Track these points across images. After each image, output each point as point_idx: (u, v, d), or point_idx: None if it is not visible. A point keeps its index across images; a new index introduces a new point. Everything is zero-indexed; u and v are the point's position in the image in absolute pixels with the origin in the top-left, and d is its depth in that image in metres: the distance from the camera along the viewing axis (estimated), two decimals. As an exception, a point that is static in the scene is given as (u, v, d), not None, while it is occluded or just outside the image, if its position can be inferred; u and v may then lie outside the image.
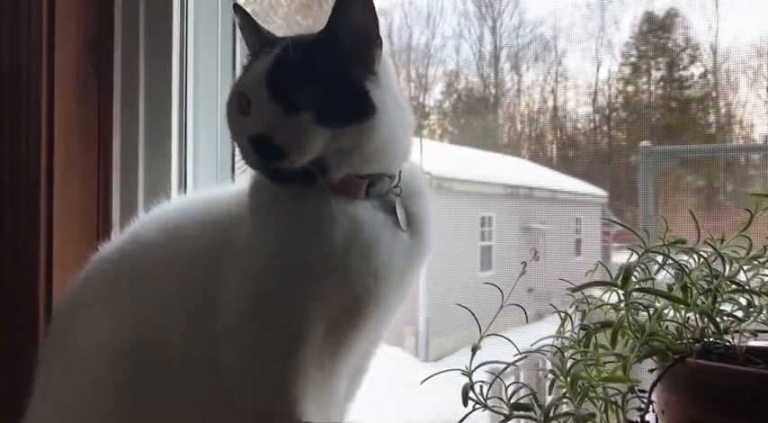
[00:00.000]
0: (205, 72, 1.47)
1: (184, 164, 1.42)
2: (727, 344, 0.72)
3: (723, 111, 2.58)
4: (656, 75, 2.54)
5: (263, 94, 0.84)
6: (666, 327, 0.73)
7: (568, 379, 0.72)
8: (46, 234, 1.25)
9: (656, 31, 2.29)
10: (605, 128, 2.30)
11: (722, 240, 0.77)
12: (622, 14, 2.21)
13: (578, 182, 2.28)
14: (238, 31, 1.40)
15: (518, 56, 2.17)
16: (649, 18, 2.24)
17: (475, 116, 2.25)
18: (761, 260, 0.75)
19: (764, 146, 2.33)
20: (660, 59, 2.35)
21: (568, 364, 0.74)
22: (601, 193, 2.22)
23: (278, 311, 0.87)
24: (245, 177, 0.99)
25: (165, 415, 0.91)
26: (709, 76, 2.47)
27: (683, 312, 0.73)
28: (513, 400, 0.76)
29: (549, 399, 0.77)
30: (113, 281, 0.99)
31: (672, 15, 2.31)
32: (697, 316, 0.72)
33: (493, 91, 2.23)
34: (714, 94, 2.46)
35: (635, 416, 0.69)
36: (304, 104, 0.83)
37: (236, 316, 0.89)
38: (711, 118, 2.60)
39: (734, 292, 0.73)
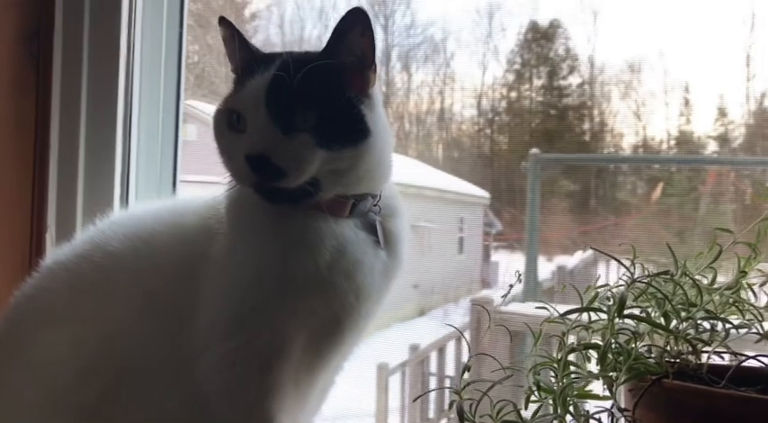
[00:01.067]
0: (149, 73, 1.40)
1: (128, 163, 1.37)
2: (699, 364, 0.78)
3: (597, 120, 2.73)
4: (537, 82, 2.66)
5: (262, 113, 0.84)
6: (648, 349, 0.78)
7: (560, 397, 0.76)
8: None
9: (540, 40, 2.39)
10: (488, 131, 2.37)
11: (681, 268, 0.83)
12: (509, 22, 2.29)
13: (463, 182, 2.34)
14: (185, 24, 1.40)
15: (408, 56, 2.20)
16: (534, 27, 2.33)
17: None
18: (732, 291, 0.82)
19: (647, 156, 2.49)
20: (542, 68, 2.46)
21: (556, 383, 0.78)
22: (484, 193, 2.29)
23: (259, 327, 0.86)
24: (209, 189, 0.98)
25: None
26: (586, 87, 2.61)
27: (663, 337, 0.79)
28: (499, 415, 0.79)
29: (525, 413, 0.81)
30: (75, 291, 0.95)
31: (555, 26, 2.42)
32: (672, 340, 0.78)
33: (383, 89, 2.25)
34: (590, 103, 2.60)
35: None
36: (303, 125, 0.84)
37: (217, 330, 0.87)
38: (586, 126, 2.75)
39: (707, 319, 0.79)
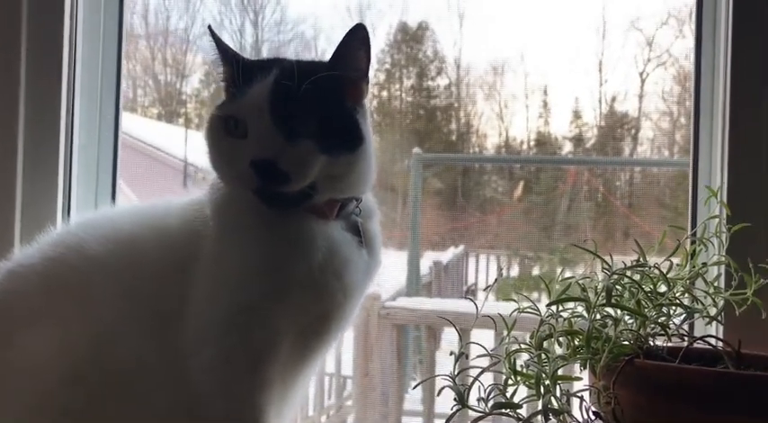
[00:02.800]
0: (88, 85, 1.31)
1: (69, 173, 1.28)
2: (660, 346, 0.88)
3: (463, 120, 2.83)
4: (407, 83, 2.71)
5: (266, 119, 0.86)
6: (621, 332, 0.86)
7: (552, 378, 0.83)
8: None
9: (409, 41, 2.44)
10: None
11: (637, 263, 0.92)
12: (379, 22, 2.31)
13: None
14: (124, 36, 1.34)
15: (279, 51, 2.17)
16: (403, 28, 2.38)
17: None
18: (693, 280, 0.93)
19: (526, 157, 2.60)
20: (411, 69, 2.51)
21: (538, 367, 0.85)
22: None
23: (253, 326, 0.88)
24: (193, 192, 0.99)
25: None
26: (453, 88, 2.69)
27: (637, 321, 0.88)
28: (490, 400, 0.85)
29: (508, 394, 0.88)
30: (52, 293, 0.92)
31: (423, 28, 2.47)
32: (642, 324, 0.87)
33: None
34: (456, 104, 2.69)
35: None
36: (304, 132, 0.86)
37: (210, 329, 0.88)
38: (453, 126, 2.84)
39: (671, 305, 0.89)
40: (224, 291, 0.89)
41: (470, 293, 2.82)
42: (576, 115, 2.37)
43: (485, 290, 0.97)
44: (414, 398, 2.47)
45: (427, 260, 2.67)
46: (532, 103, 2.48)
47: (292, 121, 0.87)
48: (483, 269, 2.89)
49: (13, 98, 1.24)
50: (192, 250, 0.92)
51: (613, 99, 2.25)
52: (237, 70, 0.89)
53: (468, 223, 2.43)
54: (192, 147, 2.11)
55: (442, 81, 2.61)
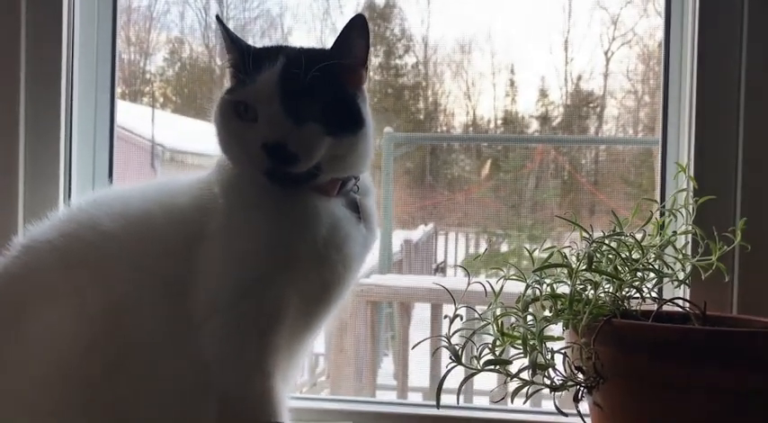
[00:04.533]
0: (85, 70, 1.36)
1: (69, 158, 1.34)
2: (634, 309, 0.98)
3: (431, 99, 2.84)
4: (375, 61, 2.70)
5: (276, 104, 0.92)
6: (599, 295, 0.96)
7: (536, 338, 0.92)
8: None
9: (376, 19, 2.42)
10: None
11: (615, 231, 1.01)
12: (347, 0, 2.29)
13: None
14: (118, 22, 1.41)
15: (245, 29, 2.14)
16: (371, 6, 2.36)
17: (200, 87, 2.17)
18: (663, 248, 1.03)
19: (499, 136, 2.61)
20: (379, 47, 2.50)
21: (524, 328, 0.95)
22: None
23: (260, 296, 0.95)
24: (198, 171, 1.06)
25: (141, 401, 0.93)
26: (420, 67, 2.69)
27: (614, 285, 0.97)
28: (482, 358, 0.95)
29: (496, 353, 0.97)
30: (70, 268, 0.97)
31: (390, 6, 2.46)
32: (619, 287, 0.97)
33: (218, 62, 2.17)
34: (424, 83, 2.69)
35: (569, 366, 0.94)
36: (311, 116, 0.93)
37: (220, 299, 0.94)
38: (421, 105, 2.84)
39: (646, 270, 0.99)
40: (234, 263, 0.95)
41: (440, 271, 2.85)
42: (543, 94, 2.39)
43: (476, 259, 1.05)
44: (386, 372, 2.51)
45: (397, 239, 2.70)
46: (499, 82, 2.49)
47: (300, 106, 0.93)
48: (452, 247, 2.93)
49: (15, 81, 1.28)
50: (200, 226, 0.98)
51: (579, 78, 2.27)
52: (246, 58, 0.95)
53: (436, 201, 2.45)
54: (159, 126, 2.08)
55: (409, 59, 2.60)
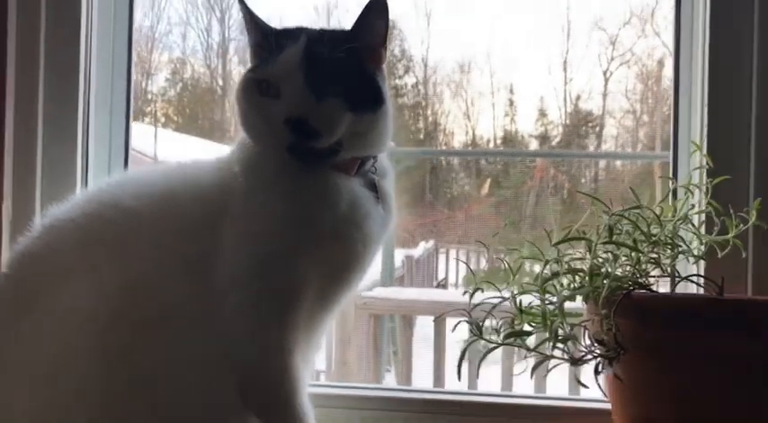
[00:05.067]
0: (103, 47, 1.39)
1: (87, 136, 1.37)
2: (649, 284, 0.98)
3: (430, 119, 2.85)
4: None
5: (298, 81, 0.94)
6: (619, 268, 0.97)
7: (558, 310, 0.95)
8: None
9: (377, 40, 2.44)
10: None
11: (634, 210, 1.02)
12: (347, 21, 2.30)
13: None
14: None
15: (246, 50, 2.15)
16: (371, 27, 2.38)
17: (201, 107, 2.19)
18: (681, 223, 1.05)
19: (501, 150, 2.62)
20: (379, 67, 2.52)
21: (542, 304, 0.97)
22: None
23: (282, 271, 0.97)
24: (218, 152, 1.08)
25: (160, 377, 0.94)
26: (420, 87, 2.71)
27: (632, 257, 0.98)
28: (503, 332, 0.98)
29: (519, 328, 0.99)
30: (88, 247, 0.99)
31: (390, 27, 2.48)
32: (638, 260, 0.98)
33: (220, 82, 2.19)
34: (424, 103, 2.71)
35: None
36: (332, 92, 0.95)
37: (243, 274, 0.96)
38: (421, 125, 2.86)
39: (664, 244, 1.01)
40: (256, 240, 0.97)
41: (441, 287, 2.85)
42: (542, 113, 2.40)
43: (494, 236, 1.09)
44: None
45: (398, 255, 2.71)
46: (499, 102, 2.50)
47: (321, 83, 0.95)
48: (453, 264, 2.93)
49: (35, 74, 1.31)
50: (221, 204, 0.99)
51: (578, 97, 2.29)
52: (269, 38, 0.98)
53: (436, 219, 2.45)
54: (161, 145, 2.09)
55: (409, 79, 2.62)
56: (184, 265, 0.98)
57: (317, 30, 1.01)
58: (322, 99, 0.95)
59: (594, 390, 0.96)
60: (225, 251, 0.97)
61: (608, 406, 1.05)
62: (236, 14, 2.16)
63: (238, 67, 2.15)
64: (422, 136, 2.75)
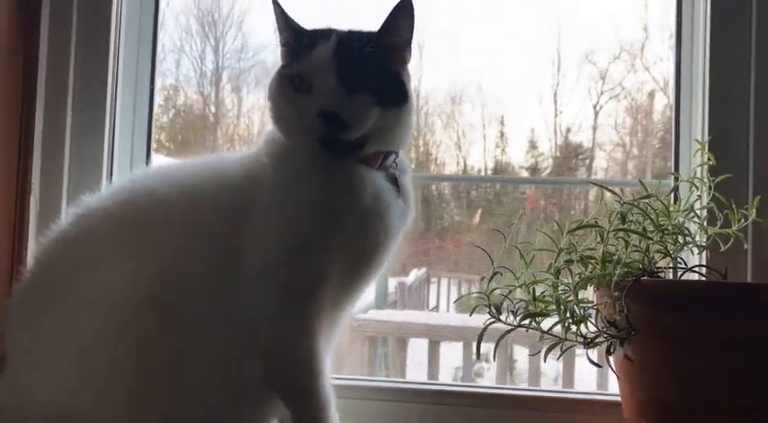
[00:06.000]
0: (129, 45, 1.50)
1: (113, 127, 1.45)
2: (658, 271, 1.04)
3: (422, 149, 2.86)
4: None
5: (331, 76, 1.00)
6: (629, 255, 1.02)
7: (572, 292, 1.01)
8: None
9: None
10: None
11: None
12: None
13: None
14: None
15: (240, 78, 2.17)
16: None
17: (194, 134, 2.19)
18: (688, 213, 1.12)
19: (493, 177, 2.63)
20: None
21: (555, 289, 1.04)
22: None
23: (309, 259, 1.00)
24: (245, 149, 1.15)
25: (191, 356, 0.99)
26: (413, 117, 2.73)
27: (642, 244, 1.03)
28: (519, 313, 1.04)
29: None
30: (124, 232, 1.04)
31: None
32: (648, 247, 1.03)
33: (213, 110, 2.19)
34: (415, 133, 2.72)
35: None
36: (362, 87, 1.00)
37: (271, 260, 1.00)
38: (413, 155, 2.87)
39: (672, 233, 1.07)
40: (285, 229, 1.01)
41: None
42: (532, 145, 2.42)
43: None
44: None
45: (391, 282, 2.70)
46: (489, 133, 2.52)
47: (352, 78, 1.01)
48: (444, 292, 2.93)
49: (64, 74, 1.40)
50: (249, 195, 1.04)
51: (568, 130, 2.31)
52: (301, 36, 1.05)
53: (427, 249, 2.45)
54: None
55: (401, 109, 2.62)
56: (213, 252, 1.02)
57: (347, 30, 1.07)
58: (352, 93, 1.00)
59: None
60: (255, 238, 1.02)
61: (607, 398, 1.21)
62: (230, 43, 2.18)
63: (231, 94, 2.16)
64: (414, 165, 2.76)
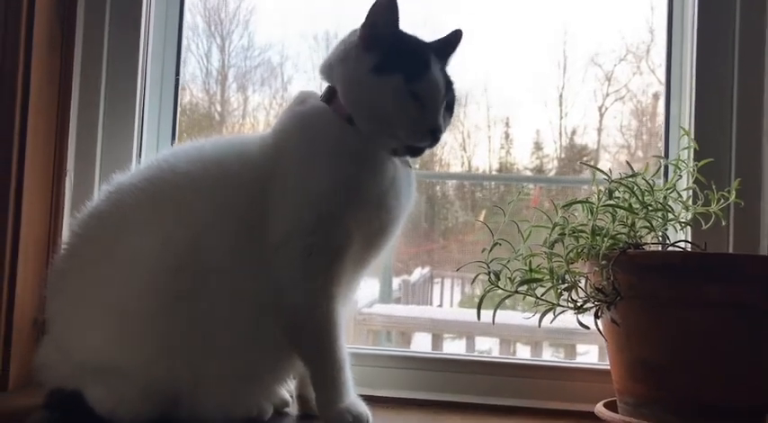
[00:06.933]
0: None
1: (143, 113, 1.58)
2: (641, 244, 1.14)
3: (427, 150, 2.87)
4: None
5: (441, 99, 1.16)
6: (616, 228, 1.11)
7: (564, 261, 1.11)
8: (17, 169, 1.38)
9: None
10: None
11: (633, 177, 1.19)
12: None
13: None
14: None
15: (245, 77, 2.17)
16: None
17: (199, 132, 2.20)
18: (670, 192, 1.20)
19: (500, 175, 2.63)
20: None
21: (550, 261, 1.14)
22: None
23: (333, 229, 1.11)
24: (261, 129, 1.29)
25: (219, 316, 1.08)
26: (417, 117, 2.72)
27: (629, 219, 1.12)
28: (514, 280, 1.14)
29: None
30: (156, 204, 1.14)
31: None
32: (633, 222, 1.12)
33: (218, 108, 2.20)
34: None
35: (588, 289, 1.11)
36: (449, 107, 1.19)
37: (298, 229, 1.10)
38: (417, 155, 2.87)
39: (656, 210, 1.15)
40: (312, 198, 1.11)
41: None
42: (537, 147, 2.42)
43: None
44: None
45: (395, 281, 2.72)
46: (495, 135, 2.52)
47: (448, 100, 1.19)
48: (448, 292, 2.94)
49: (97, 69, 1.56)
50: (268, 170, 1.14)
51: (573, 132, 2.31)
52: (415, 52, 1.18)
53: (431, 248, 2.45)
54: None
55: (407, 110, 2.62)
56: (236, 221, 1.12)
57: (432, 47, 1.21)
58: (446, 113, 1.18)
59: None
60: (278, 208, 1.12)
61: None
62: (236, 41, 2.18)
63: (237, 93, 2.16)
64: (418, 166, 2.76)
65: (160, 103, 1.61)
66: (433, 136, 1.14)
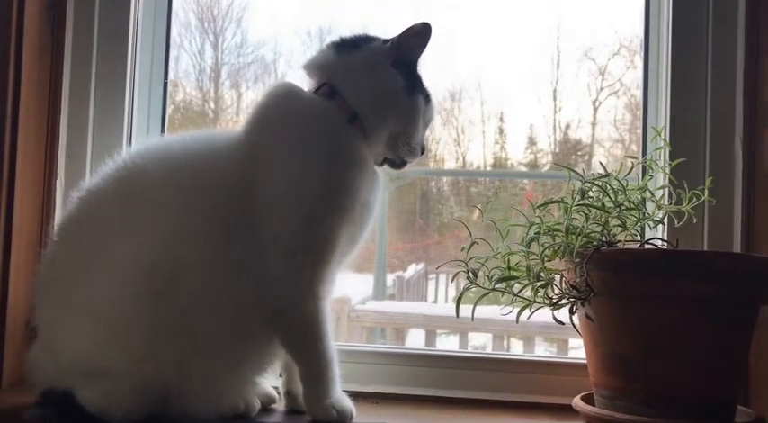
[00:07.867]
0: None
1: (131, 116, 1.59)
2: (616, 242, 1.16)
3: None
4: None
5: (423, 127, 1.27)
6: (590, 226, 1.15)
7: (539, 258, 1.14)
8: (8, 172, 1.40)
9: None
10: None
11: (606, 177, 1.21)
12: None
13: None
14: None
15: (239, 74, 2.17)
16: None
17: (193, 129, 2.19)
18: (642, 191, 1.23)
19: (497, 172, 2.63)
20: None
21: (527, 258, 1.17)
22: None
23: (321, 230, 1.14)
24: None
25: (199, 315, 1.09)
26: (412, 113, 2.72)
27: (602, 218, 1.15)
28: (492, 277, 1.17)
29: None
30: (123, 208, 1.14)
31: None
32: (606, 221, 1.15)
33: (212, 105, 2.19)
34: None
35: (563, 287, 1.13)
36: None
37: (287, 231, 1.13)
38: (411, 151, 2.87)
39: (629, 209, 1.18)
40: (302, 201, 1.14)
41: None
42: (531, 142, 2.42)
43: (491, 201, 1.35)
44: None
45: (389, 277, 2.72)
46: (489, 130, 2.52)
47: None
48: (442, 288, 2.94)
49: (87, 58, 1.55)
50: (252, 167, 1.15)
51: (567, 126, 2.31)
52: (417, 77, 1.25)
53: (426, 244, 2.45)
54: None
55: (401, 106, 2.61)
56: (211, 222, 1.13)
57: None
58: None
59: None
60: (266, 207, 1.14)
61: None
62: (229, 38, 2.18)
63: (230, 90, 2.16)
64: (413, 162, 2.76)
65: (149, 105, 1.63)
66: (421, 152, 1.27)
